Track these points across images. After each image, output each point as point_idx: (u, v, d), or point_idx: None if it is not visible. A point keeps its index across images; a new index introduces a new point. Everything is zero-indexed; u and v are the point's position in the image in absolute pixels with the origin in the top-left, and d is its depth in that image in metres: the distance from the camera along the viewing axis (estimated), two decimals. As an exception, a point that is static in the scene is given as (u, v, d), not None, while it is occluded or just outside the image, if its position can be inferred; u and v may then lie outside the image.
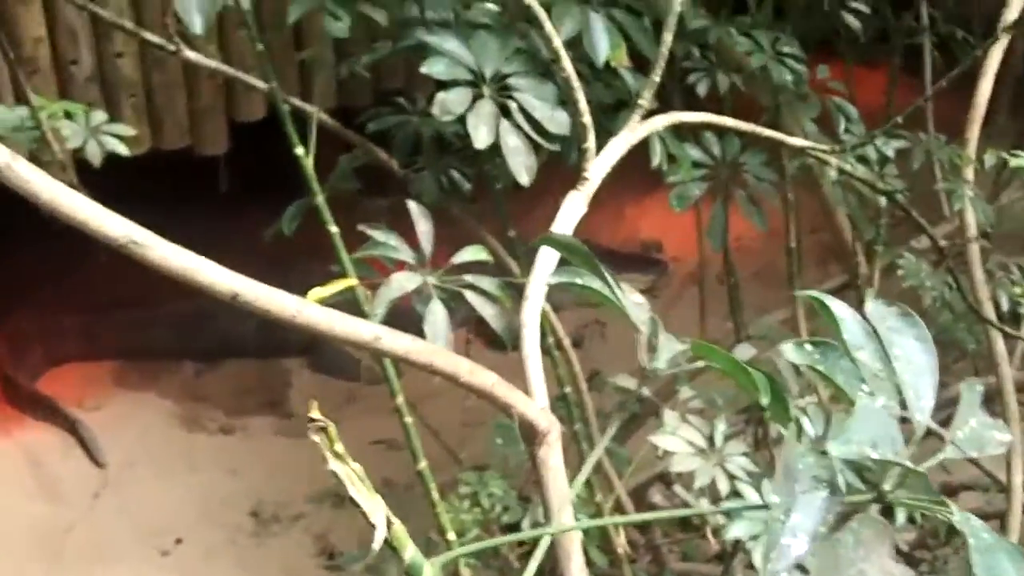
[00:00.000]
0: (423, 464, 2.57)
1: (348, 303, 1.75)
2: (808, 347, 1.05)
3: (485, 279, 2.03)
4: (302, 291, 1.41)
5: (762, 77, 3.17)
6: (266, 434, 5.00)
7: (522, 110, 2.47)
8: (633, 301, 1.37)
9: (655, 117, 2.24)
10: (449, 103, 2.44)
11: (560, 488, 1.60)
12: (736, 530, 2.19)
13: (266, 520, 4.48)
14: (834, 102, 3.23)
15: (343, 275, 2.37)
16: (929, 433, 1.07)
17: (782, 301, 3.99)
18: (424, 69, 2.46)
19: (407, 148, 2.87)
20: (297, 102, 2.64)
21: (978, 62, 3.01)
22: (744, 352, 2.35)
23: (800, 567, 0.96)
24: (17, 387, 5.01)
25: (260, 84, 2.65)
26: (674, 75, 3.23)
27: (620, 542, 2.84)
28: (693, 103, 2.97)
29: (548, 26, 2.18)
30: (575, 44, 2.51)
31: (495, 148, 2.45)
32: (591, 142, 2.05)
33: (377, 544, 1.00)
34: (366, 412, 4.82)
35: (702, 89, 3.20)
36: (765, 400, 1.13)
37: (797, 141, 2.75)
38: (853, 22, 3.57)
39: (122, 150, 2.72)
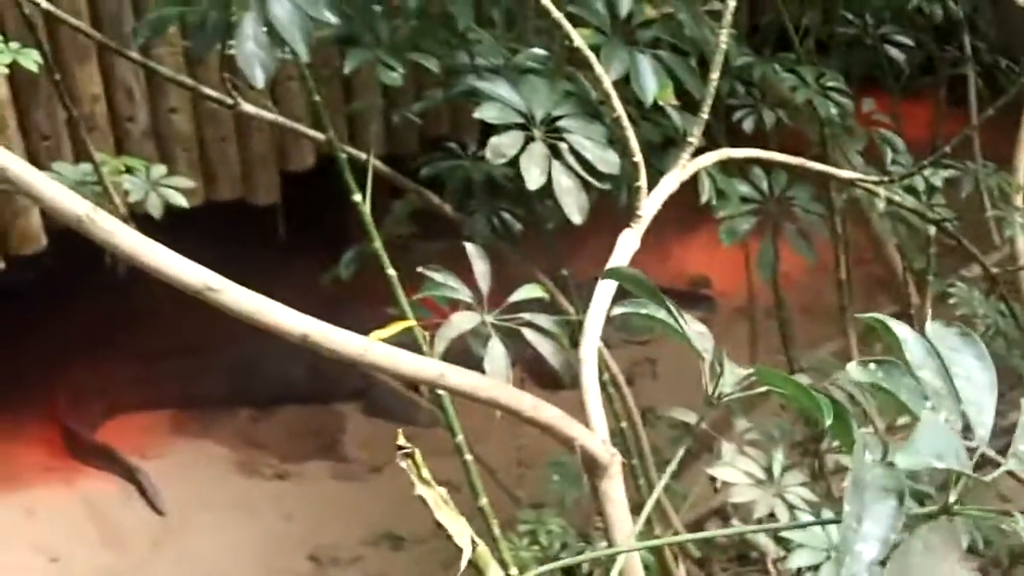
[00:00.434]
0: (484, 501, 2.59)
1: (404, 344, 1.79)
2: (872, 366, 1.08)
3: (542, 316, 2.07)
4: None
5: (808, 111, 3.19)
6: (321, 478, 5.02)
7: (573, 151, 2.51)
8: (696, 330, 1.40)
9: (704, 154, 2.28)
10: (502, 146, 2.49)
11: (623, 520, 1.62)
12: (798, 559, 2.18)
13: (324, 564, 4.51)
14: (880, 134, 3.23)
15: (400, 317, 2.42)
16: (985, 461, 1.09)
17: (831, 335, 3.98)
18: (477, 114, 2.52)
19: (459, 191, 2.92)
20: (352, 150, 2.70)
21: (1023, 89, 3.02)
22: (802, 380, 2.36)
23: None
24: (77, 438, 5.08)
25: (317, 134, 2.72)
26: (719, 112, 3.27)
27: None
28: (738, 139, 3.00)
29: (598, 68, 2.23)
30: (621, 84, 2.55)
31: (546, 189, 2.49)
32: (643, 180, 2.08)
33: (464, 563, 1.03)
34: (422, 454, 4.84)
35: (748, 125, 3.23)
36: (828, 421, 1.16)
37: (846, 173, 2.77)
38: (897, 55, 3.59)
39: (181, 202, 2.82)
